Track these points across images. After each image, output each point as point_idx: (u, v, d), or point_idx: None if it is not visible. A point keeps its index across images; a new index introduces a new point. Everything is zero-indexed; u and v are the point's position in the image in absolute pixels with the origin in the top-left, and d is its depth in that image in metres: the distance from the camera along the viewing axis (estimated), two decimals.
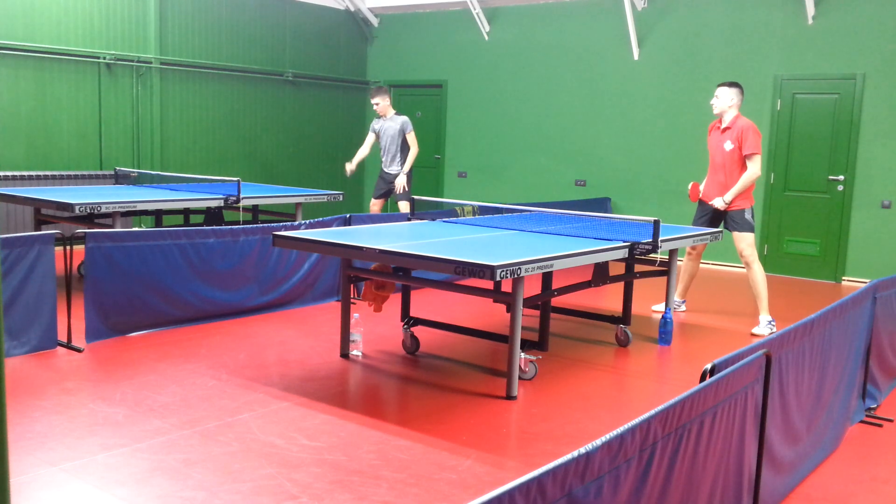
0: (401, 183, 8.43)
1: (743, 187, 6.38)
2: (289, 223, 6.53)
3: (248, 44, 10.93)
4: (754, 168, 6.34)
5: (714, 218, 6.64)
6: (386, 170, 8.61)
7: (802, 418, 3.45)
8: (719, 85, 6.54)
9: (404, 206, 8.39)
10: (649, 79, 10.11)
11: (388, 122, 8.52)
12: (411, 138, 8.46)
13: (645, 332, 6.26)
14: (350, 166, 8.78)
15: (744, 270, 9.13)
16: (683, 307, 7.19)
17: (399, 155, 8.50)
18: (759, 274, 6.44)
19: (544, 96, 10.96)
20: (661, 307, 7.13)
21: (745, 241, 6.44)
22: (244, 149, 11.06)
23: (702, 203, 6.74)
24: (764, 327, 6.38)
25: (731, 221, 6.49)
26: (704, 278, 8.82)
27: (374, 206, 8.81)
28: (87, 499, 3.21)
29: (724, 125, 6.48)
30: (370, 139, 8.70)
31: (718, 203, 6.44)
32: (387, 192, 8.67)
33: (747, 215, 6.45)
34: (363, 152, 8.76)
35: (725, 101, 6.45)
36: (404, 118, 8.51)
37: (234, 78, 10.76)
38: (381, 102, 8.52)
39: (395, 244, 4.66)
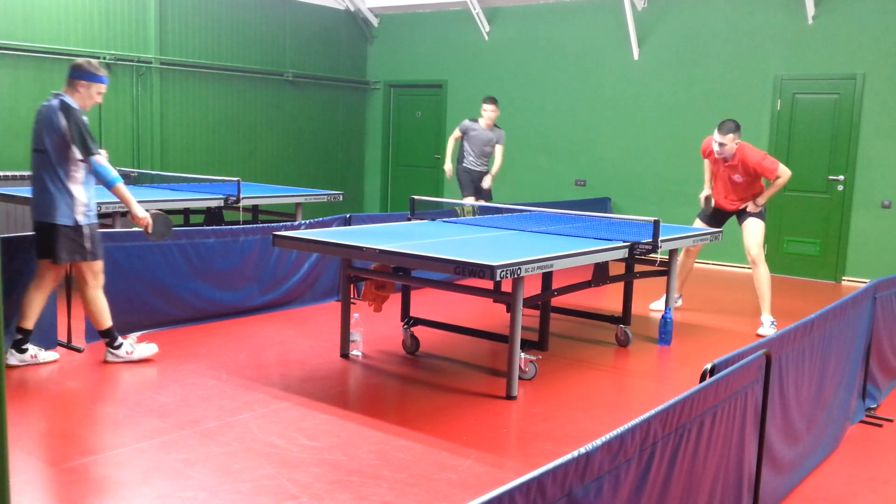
0: (488, 183, 8.80)
1: (778, 189, 6.40)
2: (289, 223, 6.53)
3: (248, 44, 10.92)
4: (785, 173, 6.29)
5: (719, 216, 6.64)
6: (476, 168, 8.84)
7: (802, 418, 3.45)
8: (722, 133, 6.23)
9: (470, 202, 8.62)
10: (649, 79, 10.10)
11: (490, 133, 8.76)
12: (501, 150, 8.76)
13: (645, 332, 6.26)
14: (448, 168, 8.96)
15: (744, 270, 9.15)
16: (680, 301, 7.19)
17: (488, 161, 8.86)
18: (764, 275, 6.42)
19: (544, 96, 10.95)
20: (658, 305, 7.14)
21: (754, 240, 6.41)
22: (244, 149, 11.05)
23: (709, 202, 6.74)
24: (767, 328, 6.35)
25: (745, 213, 6.50)
26: (705, 278, 8.82)
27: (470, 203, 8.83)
28: (87, 499, 3.21)
29: (729, 160, 6.38)
30: (457, 134, 8.95)
31: (750, 207, 6.44)
32: (480, 190, 8.93)
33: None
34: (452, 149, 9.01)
35: (731, 147, 6.28)
36: (502, 132, 8.83)
37: (234, 78, 10.76)
38: (494, 114, 8.73)
39: (395, 244, 4.66)
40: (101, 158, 4.68)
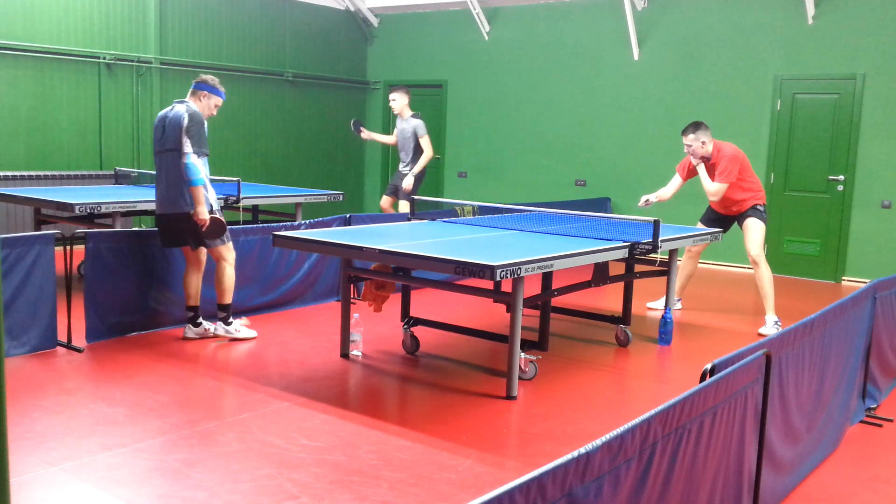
0: (408, 183, 8.30)
1: (705, 185, 6.40)
2: (289, 223, 6.53)
3: (248, 44, 10.92)
4: (716, 188, 6.33)
5: (721, 221, 6.63)
6: (400, 169, 8.54)
7: (802, 418, 3.45)
8: (684, 135, 6.40)
9: (404, 206, 8.34)
10: (649, 79, 10.10)
11: (404, 123, 8.43)
12: (424, 142, 8.28)
13: (645, 332, 6.26)
14: (367, 134, 8.69)
15: (744, 270, 9.16)
16: (679, 305, 7.19)
17: (413, 157, 8.38)
18: (766, 274, 6.42)
19: (544, 96, 10.95)
20: (655, 304, 7.14)
21: (754, 241, 6.41)
22: (244, 149, 11.05)
23: (711, 208, 6.75)
24: (770, 327, 6.35)
25: (744, 216, 6.51)
26: (705, 278, 8.82)
27: (384, 202, 8.71)
28: (87, 499, 3.21)
29: (709, 161, 6.45)
30: (394, 135, 8.68)
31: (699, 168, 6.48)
32: (396, 191, 8.60)
33: (759, 208, 6.49)
34: (387, 139, 8.77)
35: (698, 145, 6.36)
36: (418, 122, 8.34)
37: (234, 78, 10.76)
38: (398, 100, 8.41)
39: (395, 244, 4.66)
40: (196, 159, 5.26)
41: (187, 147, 5.23)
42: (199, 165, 5.26)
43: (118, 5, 9.39)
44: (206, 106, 5.50)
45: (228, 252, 5.55)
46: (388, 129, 12.52)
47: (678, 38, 9.86)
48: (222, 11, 10.55)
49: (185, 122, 5.26)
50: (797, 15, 9.04)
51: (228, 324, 5.57)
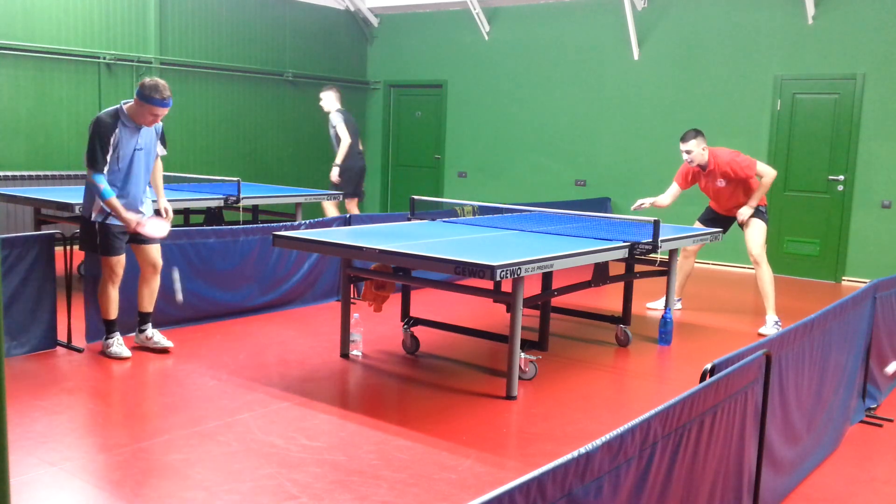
0: (333, 175, 8.69)
1: (765, 190, 6.40)
2: (289, 223, 6.53)
3: (248, 44, 10.92)
4: (769, 172, 6.34)
5: (720, 221, 6.64)
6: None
7: (802, 418, 3.45)
8: (684, 141, 6.33)
9: (329, 208, 8.53)
10: (649, 79, 10.10)
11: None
12: (340, 130, 8.68)
13: (645, 332, 6.26)
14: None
15: (744, 270, 9.16)
16: (679, 305, 7.19)
17: (339, 149, 8.76)
18: (767, 274, 6.43)
19: (544, 96, 10.95)
20: (655, 304, 7.14)
21: (756, 241, 6.42)
22: (244, 149, 11.05)
23: (710, 208, 6.76)
24: (770, 327, 6.36)
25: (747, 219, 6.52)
26: (705, 278, 8.82)
27: (349, 206, 8.95)
28: (87, 499, 3.21)
29: (706, 168, 6.43)
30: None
31: (745, 213, 6.41)
32: (356, 191, 8.96)
33: (762, 209, 6.50)
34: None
35: (698, 152, 6.33)
36: (334, 115, 8.77)
37: (234, 78, 10.76)
38: (323, 99, 8.87)
39: (395, 244, 4.66)
40: (96, 173, 4.76)
41: (86, 162, 4.77)
42: (95, 180, 4.71)
43: (118, 5, 9.38)
44: (138, 113, 4.80)
45: (111, 266, 4.97)
46: (386, 127, 12.54)
47: (678, 38, 9.86)
48: (222, 11, 10.55)
49: (90, 129, 4.78)
50: (797, 15, 9.03)
51: (107, 339, 5.07)
